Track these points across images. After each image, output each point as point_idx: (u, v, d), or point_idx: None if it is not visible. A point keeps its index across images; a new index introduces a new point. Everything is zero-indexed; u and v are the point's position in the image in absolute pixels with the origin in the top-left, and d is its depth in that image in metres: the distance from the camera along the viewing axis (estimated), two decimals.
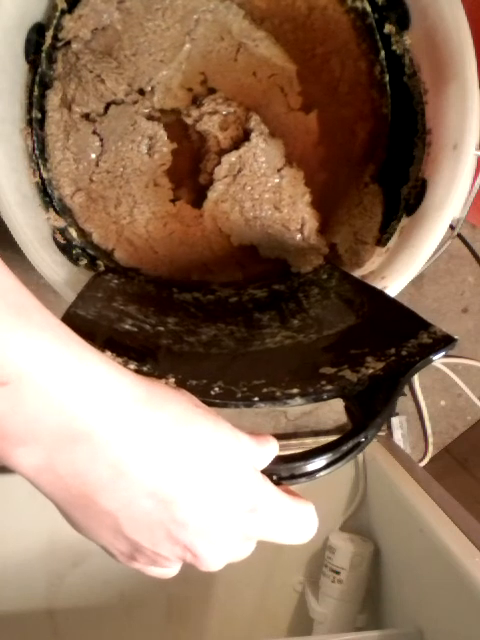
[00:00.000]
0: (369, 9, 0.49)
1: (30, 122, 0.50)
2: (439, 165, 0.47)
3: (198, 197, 0.52)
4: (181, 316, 0.46)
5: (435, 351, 0.34)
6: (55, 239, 0.50)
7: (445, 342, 0.35)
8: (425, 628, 0.56)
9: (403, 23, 0.48)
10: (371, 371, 0.34)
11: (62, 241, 0.51)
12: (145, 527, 0.26)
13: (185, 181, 0.52)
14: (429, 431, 0.76)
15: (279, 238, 0.51)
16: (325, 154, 0.52)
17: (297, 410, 0.73)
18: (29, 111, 0.50)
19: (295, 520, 0.29)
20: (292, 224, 0.51)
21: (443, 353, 0.34)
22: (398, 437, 0.74)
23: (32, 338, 0.23)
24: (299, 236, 0.51)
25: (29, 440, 0.24)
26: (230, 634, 0.70)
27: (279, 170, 0.51)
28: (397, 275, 0.47)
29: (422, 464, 0.76)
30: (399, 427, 0.74)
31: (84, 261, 0.52)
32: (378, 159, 0.52)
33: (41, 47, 0.49)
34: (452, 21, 0.44)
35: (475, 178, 0.48)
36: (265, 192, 0.51)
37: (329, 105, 0.52)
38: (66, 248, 0.51)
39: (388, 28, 0.49)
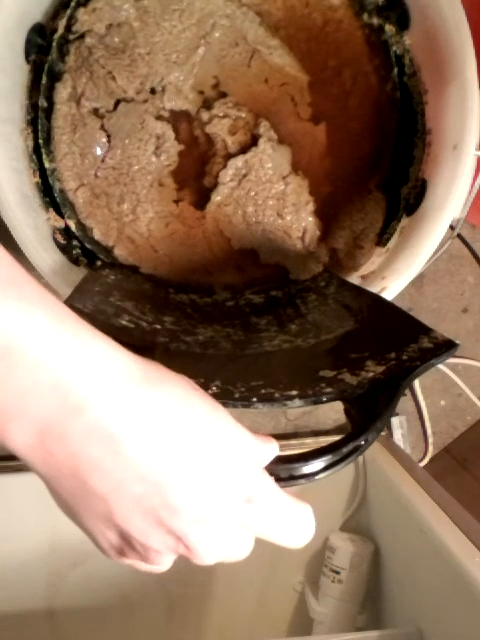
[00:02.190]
0: (385, 25, 0.49)
1: (31, 122, 0.50)
2: (439, 165, 0.47)
3: (201, 199, 0.52)
4: (178, 316, 0.46)
5: (436, 355, 0.34)
6: (55, 239, 0.50)
7: (446, 347, 0.34)
8: (425, 628, 0.56)
9: (403, 23, 0.48)
10: (371, 375, 0.34)
11: (62, 241, 0.51)
12: (136, 514, 0.25)
13: (189, 182, 0.52)
14: (429, 431, 0.76)
15: (280, 244, 0.51)
16: (331, 166, 0.52)
17: (297, 410, 0.73)
18: (29, 111, 0.50)
19: (292, 518, 0.28)
20: (294, 231, 0.51)
21: (446, 358, 0.34)
22: (398, 437, 0.74)
23: (22, 312, 0.22)
24: (300, 244, 0.51)
25: (19, 415, 0.23)
26: (230, 634, 0.70)
27: (284, 177, 0.51)
28: (397, 275, 0.47)
29: (422, 464, 0.76)
30: (399, 427, 0.74)
31: (84, 261, 0.52)
32: (383, 171, 0.52)
33: (45, 43, 0.48)
34: (452, 21, 0.44)
35: (475, 178, 0.48)
36: (269, 198, 0.51)
37: (338, 118, 0.52)
38: (66, 248, 0.51)
39: (388, 28, 0.49)
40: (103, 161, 0.51)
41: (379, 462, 0.66)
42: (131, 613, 0.69)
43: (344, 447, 0.30)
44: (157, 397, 0.25)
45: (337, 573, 0.65)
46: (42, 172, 0.51)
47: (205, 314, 0.48)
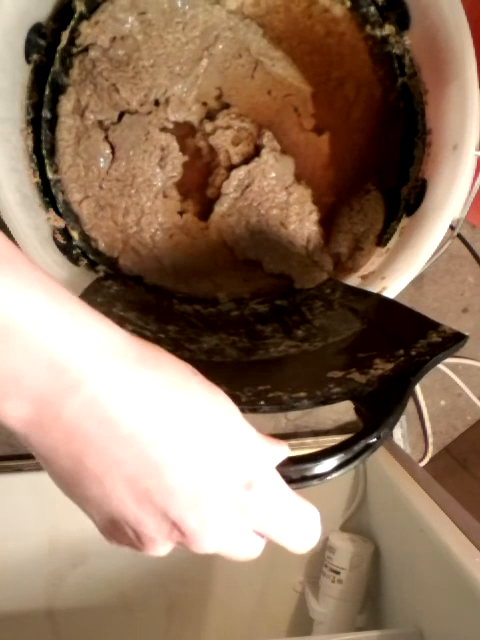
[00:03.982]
0: (388, 37, 0.49)
1: (31, 122, 0.50)
2: (439, 165, 0.47)
3: (204, 210, 0.52)
4: (182, 325, 0.46)
5: (445, 349, 0.34)
6: (55, 239, 0.50)
7: (455, 339, 0.35)
8: (425, 628, 0.56)
9: (403, 23, 0.48)
10: (380, 372, 0.34)
11: (62, 241, 0.51)
12: (130, 498, 0.25)
13: (192, 193, 0.53)
14: (429, 431, 0.75)
15: (284, 254, 0.51)
16: (334, 176, 0.53)
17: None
18: (29, 111, 0.49)
19: (297, 513, 0.28)
20: (297, 241, 0.51)
21: (454, 351, 0.34)
22: (398, 437, 0.74)
23: (20, 292, 0.22)
24: (304, 253, 0.51)
25: (16, 394, 0.23)
26: (230, 634, 0.70)
27: (287, 187, 0.51)
28: (397, 275, 0.47)
29: (422, 464, 0.76)
30: (399, 427, 0.74)
31: (84, 261, 0.52)
32: (386, 178, 0.52)
33: (45, 43, 0.48)
34: (452, 21, 0.44)
35: (475, 178, 0.48)
36: (272, 208, 0.51)
37: (341, 128, 0.52)
38: (66, 248, 0.51)
39: (388, 28, 0.49)
40: (108, 173, 0.51)
41: (379, 462, 0.66)
42: (131, 613, 0.69)
43: (356, 445, 0.30)
44: (153, 378, 0.25)
45: (337, 573, 0.65)
46: (42, 172, 0.51)
47: (209, 323, 0.48)
